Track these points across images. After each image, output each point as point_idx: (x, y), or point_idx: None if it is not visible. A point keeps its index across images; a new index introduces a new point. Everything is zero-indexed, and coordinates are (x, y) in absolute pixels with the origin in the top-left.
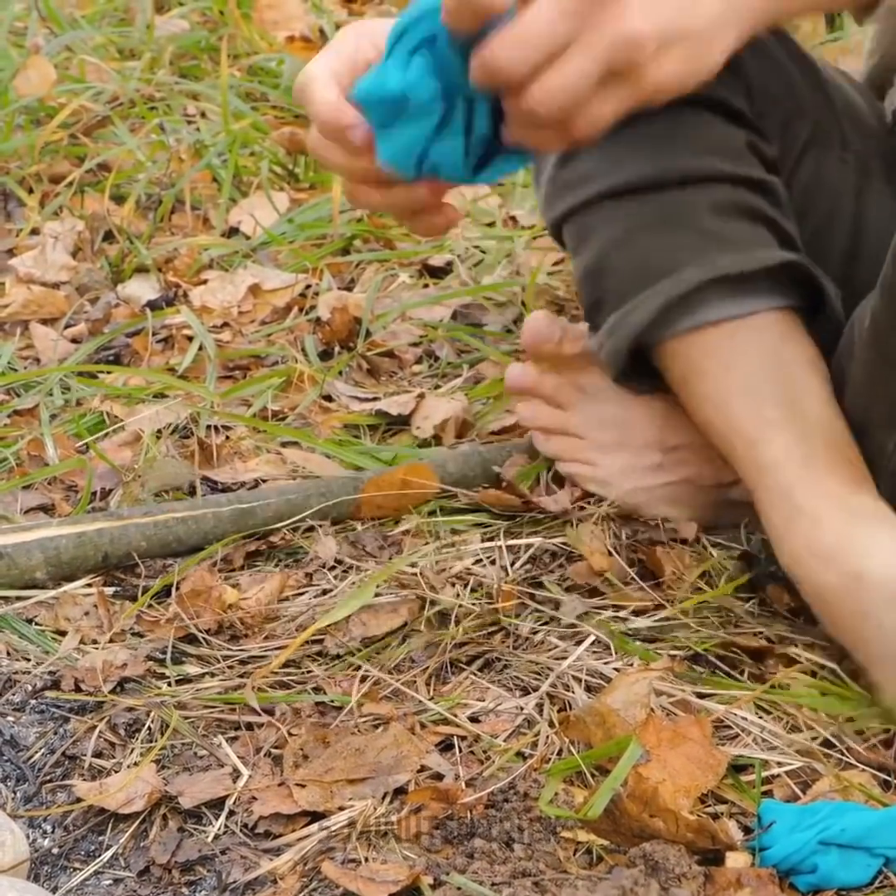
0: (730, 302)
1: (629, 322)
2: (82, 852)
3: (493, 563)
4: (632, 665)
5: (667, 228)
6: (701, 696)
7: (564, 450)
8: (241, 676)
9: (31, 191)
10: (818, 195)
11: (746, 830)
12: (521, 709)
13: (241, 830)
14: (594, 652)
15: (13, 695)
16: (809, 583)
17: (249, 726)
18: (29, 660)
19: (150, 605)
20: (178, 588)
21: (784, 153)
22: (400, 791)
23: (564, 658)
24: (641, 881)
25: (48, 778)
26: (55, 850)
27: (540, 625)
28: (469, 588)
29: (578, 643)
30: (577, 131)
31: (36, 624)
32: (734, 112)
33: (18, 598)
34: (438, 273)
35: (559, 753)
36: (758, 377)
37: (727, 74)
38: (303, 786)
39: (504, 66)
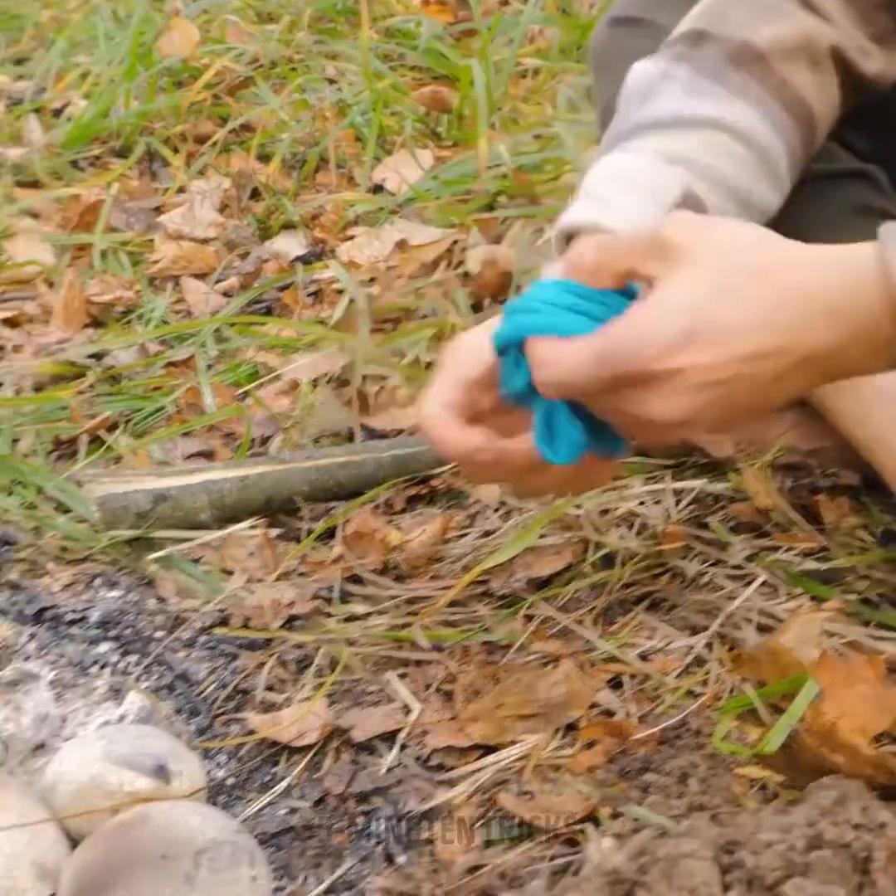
0: None
1: None
2: (256, 783)
3: (657, 503)
4: (802, 606)
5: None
6: (873, 638)
7: None
8: (407, 615)
9: (176, 150)
10: None
11: None
12: (691, 648)
13: (414, 763)
14: (763, 592)
15: (183, 632)
16: None
17: (418, 663)
18: (197, 599)
19: (313, 547)
20: (342, 530)
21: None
22: (571, 727)
23: (733, 598)
24: (839, 801)
25: (220, 711)
26: (230, 781)
27: (707, 566)
28: (634, 530)
29: (747, 584)
30: None
31: (202, 564)
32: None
33: (184, 540)
34: None
35: (731, 692)
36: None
37: None
38: (475, 720)
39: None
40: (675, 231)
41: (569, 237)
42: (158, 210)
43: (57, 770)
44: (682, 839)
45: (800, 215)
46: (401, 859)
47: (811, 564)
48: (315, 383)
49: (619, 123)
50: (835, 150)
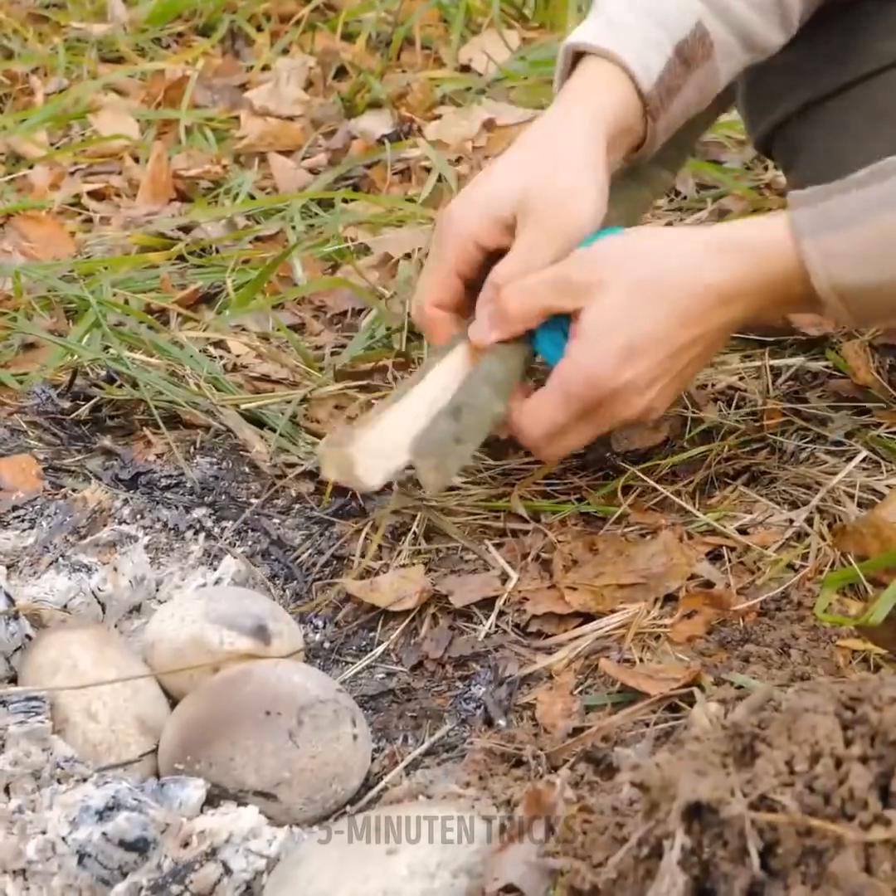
0: None
1: None
2: (353, 647)
3: (756, 378)
4: None
5: (873, 127)
6: None
7: None
8: (504, 487)
9: (259, 29)
10: None
11: None
12: (791, 522)
13: (512, 629)
14: (864, 468)
15: (277, 498)
16: None
17: (515, 533)
18: (293, 455)
19: None
20: None
21: None
22: (671, 597)
23: (834, 473)
24: None
25: (317, 577)
26: (327, 644)
27: (806, 442)
28: (733, 405)
29: (848, 459)
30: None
31: (295, 422)
32: None
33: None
34: None
35: (831, 566)
36: None
37: None
38: (574, 589)
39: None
40: (576, 269)
41: (575, 56)
42: (243, 87)
43: (157, 628)
44: (803, 695)
45: (849, 110)
46: (501, 722)
47: None
48: (408, 257)
49: None
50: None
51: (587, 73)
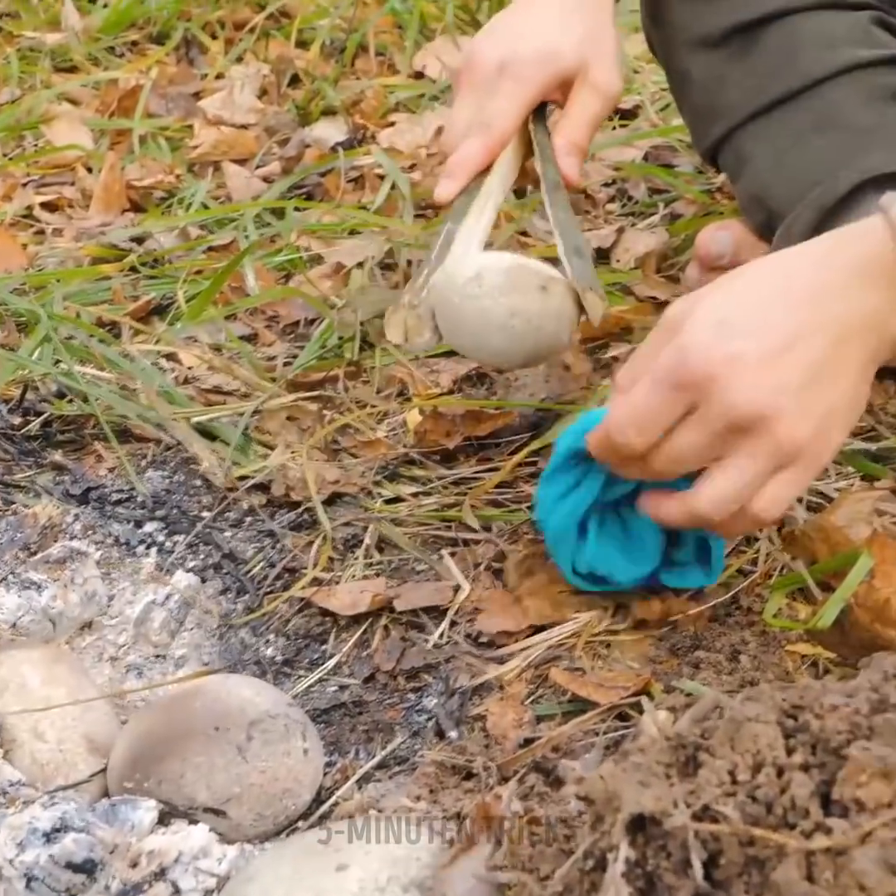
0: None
1: (792, 235)
2: (306, 660)
3: None
4: (852, 485)
5: (818, 135)
6: None
7: None
8: (456, 496)
9: (214, 36)
10: None
11: None
12: None
13: (464, 640)
14: None
15: (230, 512)
16: None
17: (467, 543)
18: (242, 473)
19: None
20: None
21: None
22: (622, 605)
23: None
24: None
25: (269, 590)
26: (278, 658)
27: None
28: None
29: None
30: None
31: (247, 434)
32: (847, 3)
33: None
34: (627, 116)
35: (781, 570)
36: None
37: None
38: (526, 597)
39: (623, 446)
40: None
41: None
42: (197, 96)
43: None
44: (745, 704)
45: (839, 103)
46: (452, 734)
47: (860, 444)
48: (360, 266)
49: None
50: (879, 35)
51: None
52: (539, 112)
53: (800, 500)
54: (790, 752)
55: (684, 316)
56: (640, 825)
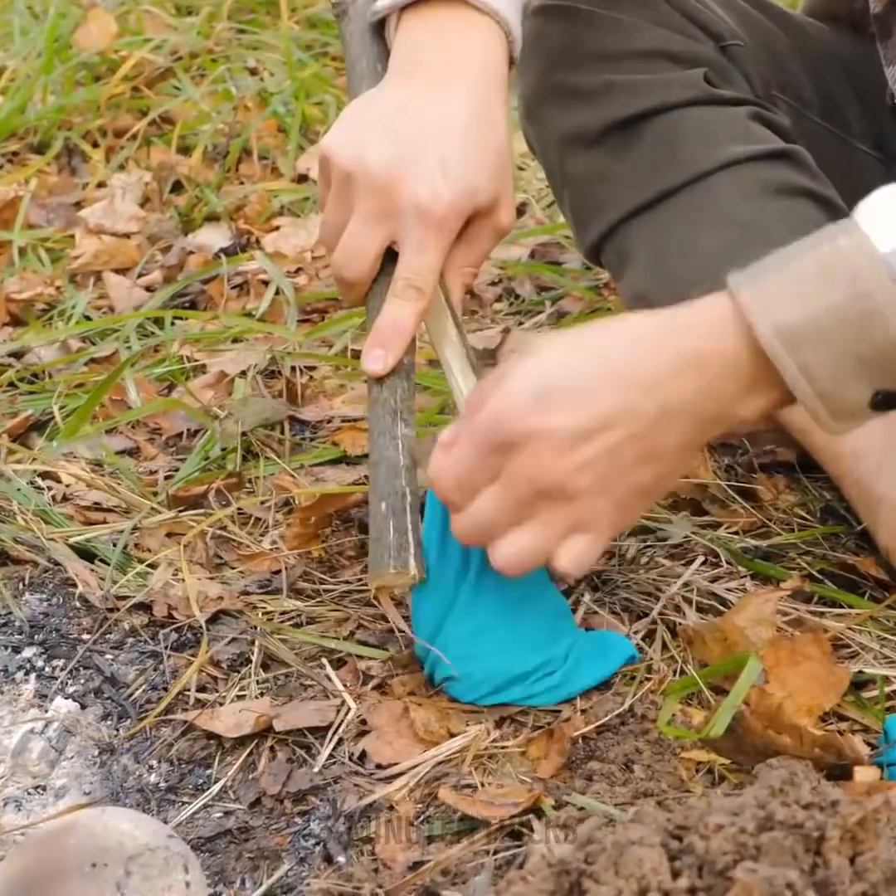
0: None
1: None
2: (190, 786)
3: None
4: (743, 586)
5: (698, 232)
6: (818, 614)
7: None
8: (343, 606)
9: (95, 145)
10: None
11: (871, 747)
12: (636, 633)
13: (351, 760)
14: (703, 572)
15: (110, 633)
16: None
17: (357, 656)
18: (123, 594)
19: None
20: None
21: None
22: (512, 717)
23: (676, 577)
24: (789, 781)
25: (151, 714)
26: (162, 784)
27: (646, 545)
28: None
29: (687, 563)
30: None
31: (127, 553)
32: (725, 99)
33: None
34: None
35: (675, 674)
36: None
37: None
38: (413, 712)
39: (441, 495)
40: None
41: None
42: (78, 205)
43: None
44: (629, 826)
45: (719, 199)
46: (340, 859)
47: (751, 541)
48: (243, 375)
49: None
50: (757, 130)
51: (470, 34)
52: None
53: (690, 603)
54: (676, 874)
55: (510, 369)
56: None
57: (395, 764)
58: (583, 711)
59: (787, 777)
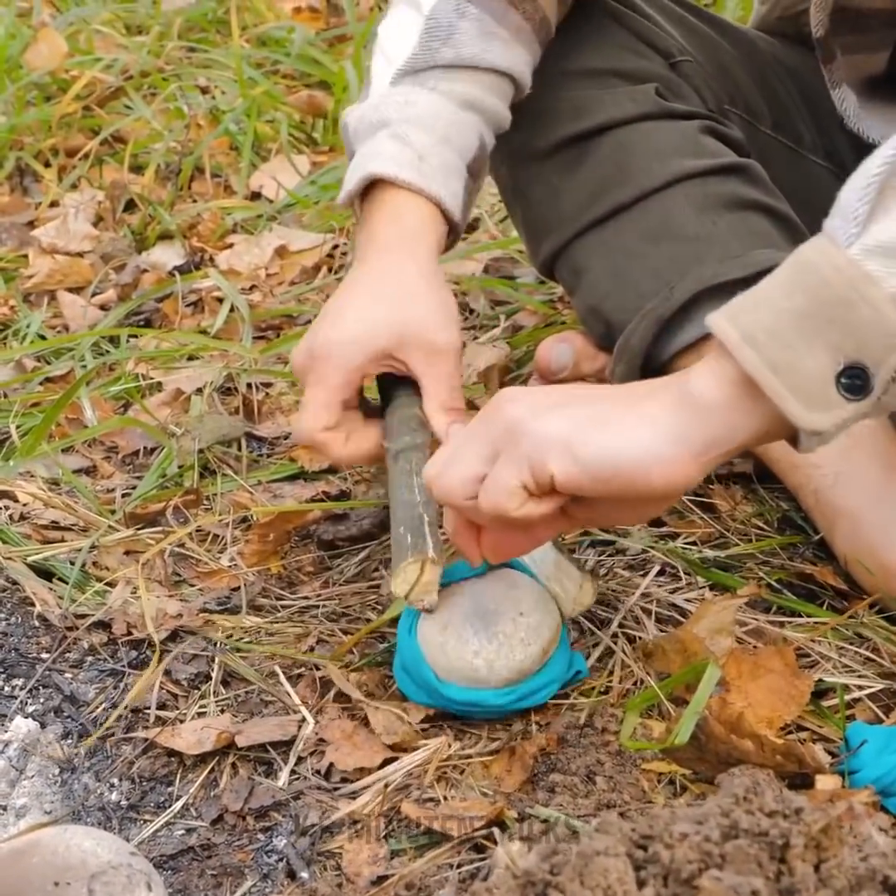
0: None
1: (631, 346)
2: (152, 804)
3: None
4: (702, 596)
5: (651, 246)
6: (779, 624)
7: None
8: (302, 620)
9: (47, 164)
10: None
11: (831, 756)
12: (595, 646)
13: (313, 775)
14: (661, 583)
15: (69, 652)
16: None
17: (316, 666)
18: (81, 613)
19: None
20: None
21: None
22: (469, 731)
23: (633, 588)
24: (753, 789)
25: (111, 732)
26: (123, 803)
27: (605, 556)
28: None
29: (644, 574)
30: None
31: (85, 571)
32: (677, 112)
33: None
34: (467, 229)
35: (636, 685)
36: None
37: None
38: (375, 726)
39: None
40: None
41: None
42: (31, 224)
43: None
44: (594, 836)
45: (671, 214)
46: (304, 875)
47: (709, 552)
48: (199, 392)
49: (419, 56)
50: (709, 144)
51: (405, 214)
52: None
53: (649, 614)
54: (641, 884)
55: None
56: None
57: (359, 777)
58: (543, 726)
59: (750, 785)
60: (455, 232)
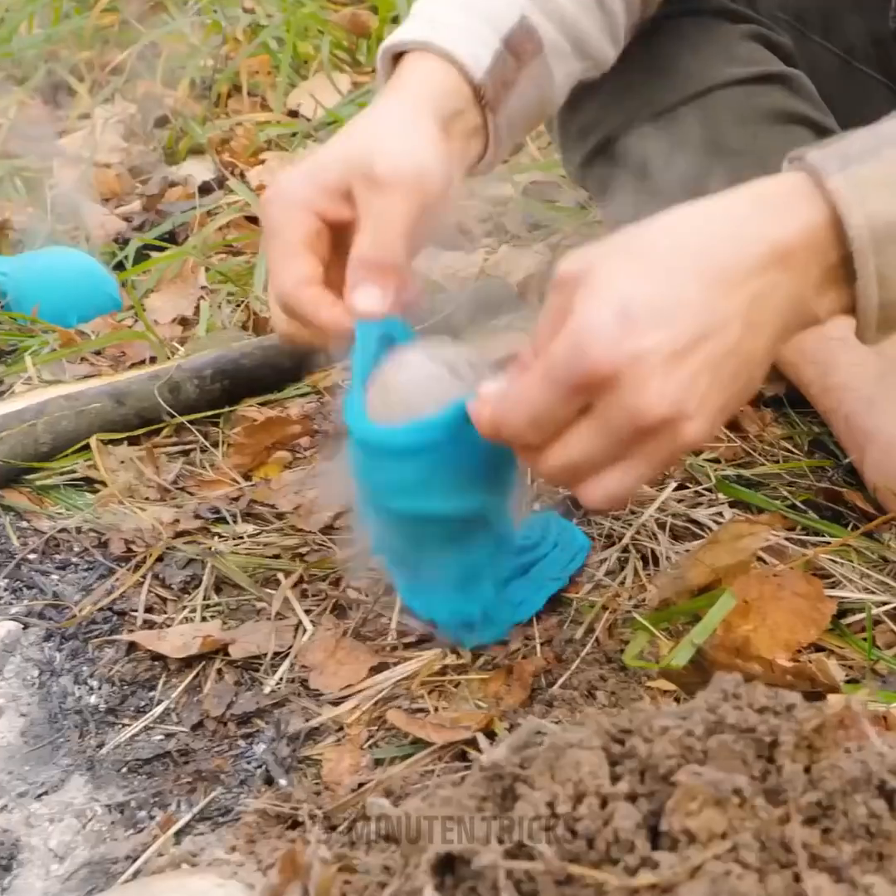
0: None
1: None
2: (131, 708)
3: None
4: (721, 514)
5: (676, 152)
6: (800, 544)
7: None
8: (298, 531)
9: (81, 79)
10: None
11: (849, 670)
12: (604, 560)
13: (300, 683)
14: (681, 498)
15: (57, 554)
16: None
17: (309, 579)
18: (73, 519)
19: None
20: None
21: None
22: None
23: (650, 502)
24: (743, 685)
25: (95, 633)
26: (102, 707)
27: None
28: None
29: (660, 489)
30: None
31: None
32: (725, 11)
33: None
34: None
35: (643, 602)
36: None
37: None
38: (368, 635)
39: (515, 439)
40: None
41: (396, 57)
42: (60, 136)
43: None
44: (568, 729)
45: (716, 122)
46: (282, 781)
47: (732, 471)
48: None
49: None
50: (756, 51)
51: (407, 67)
52: None
53: (664, 527)
54: (616, 779)
55: (579, 284)
56: (448, 866)
57: (349, 686)
58: (545, 642)
59: (741, 682)
60: (486, 100)
